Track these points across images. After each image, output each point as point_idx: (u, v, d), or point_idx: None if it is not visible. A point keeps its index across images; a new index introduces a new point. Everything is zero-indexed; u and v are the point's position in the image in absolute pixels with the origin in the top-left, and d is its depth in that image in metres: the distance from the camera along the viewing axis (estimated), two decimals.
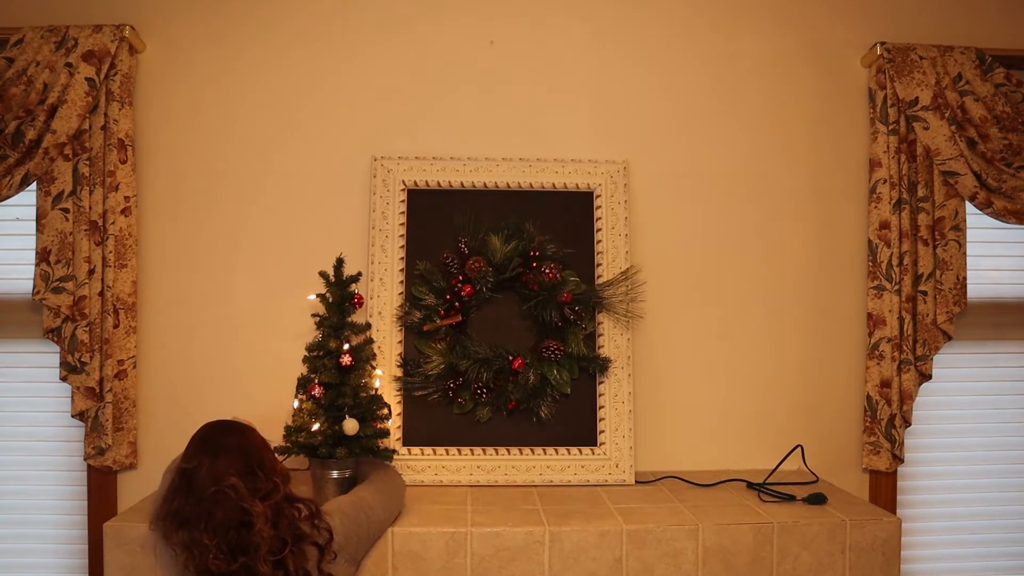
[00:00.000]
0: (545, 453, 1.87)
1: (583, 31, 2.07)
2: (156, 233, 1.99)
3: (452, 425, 1.88)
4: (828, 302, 2.09)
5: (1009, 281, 2.18)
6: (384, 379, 1.83)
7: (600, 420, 1.89)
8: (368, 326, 1.75)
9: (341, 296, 1.66)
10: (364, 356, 1.65)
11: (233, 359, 1.99)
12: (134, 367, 1.93)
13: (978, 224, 2.07)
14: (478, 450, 1.86)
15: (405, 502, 1.63)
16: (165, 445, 1.93)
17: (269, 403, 1.89)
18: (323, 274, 1.68)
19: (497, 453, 1.86)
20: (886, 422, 1.99)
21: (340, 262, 1.69)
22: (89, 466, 1.94)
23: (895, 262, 1.98)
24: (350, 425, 1.56)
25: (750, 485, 1.85)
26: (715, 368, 2.06)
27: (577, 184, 2.00)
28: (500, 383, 1.87)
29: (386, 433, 1.66)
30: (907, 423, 2.00)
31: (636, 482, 1.87)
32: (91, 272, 1.86)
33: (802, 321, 2.08)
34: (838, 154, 2.10)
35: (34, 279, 1.85)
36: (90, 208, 1.87)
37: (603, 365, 1.89)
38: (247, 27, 2.02)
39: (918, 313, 1.99)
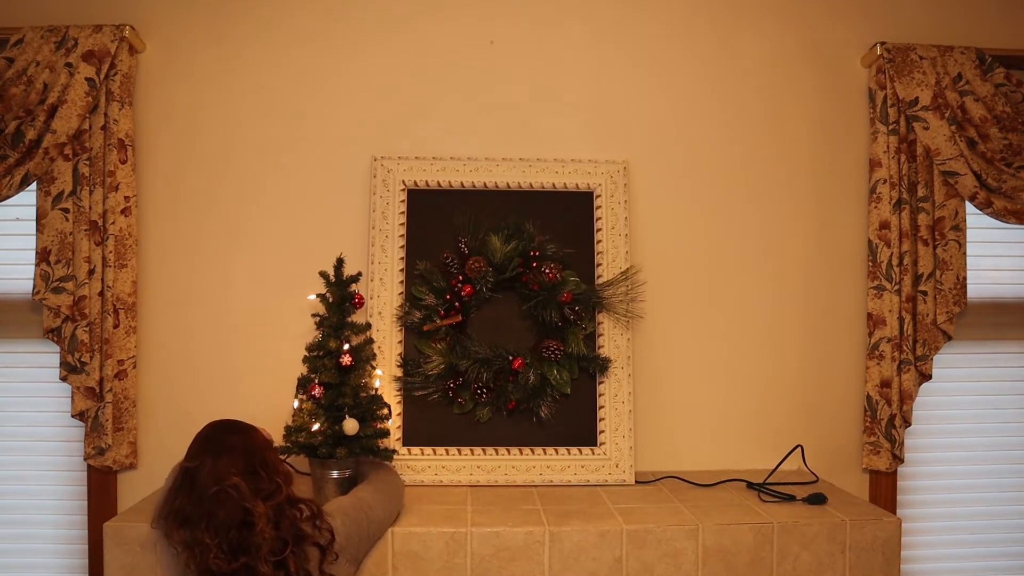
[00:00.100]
0: (545, 453, 1.87)
1: (583, 31, 2.07)
2: (156, 233, 1.99)
3: (452, 425, 1.88)
4: (828, 302, 2.09)
5: (1009, 281, 2.18)
6: (384, 379, 1.83)
7: (600, 420, 1.89)
8: (368, 326, 1.75)
9: (341, 296, 1.66)
10: (364, 356, 1.65)
11: (233, 359, 1.99)
12: (134, 367, 1.93)
13: (978, 224, 2.07)
14: (478, 450, 1.86)
15: (405, 502, 1.63)
16: (165, 445, 1.94)
17: (269, 403, 1.89)
18: (323, 274, 1.68)
19: (497, 453, 1.86)
20: (886, 422, 1.99)
21: (340, 262, 1.69)
22: (89, 466, 1.94)
23: (895, 262, 1.98)
24: (350, 425, 1.56)
25: (750, 485, 1.85)
26: (715, 368, 2.06)
27: (577, 184, 2.00)
28: (500, 383, 1.87)
29: (386, 433, 1.66)
30: (907, 423, 2.00)
31: (636, 482, 1.87)
32: (91, 272, 1.86)
33: (802, 321, 2.08)
34: (838, 154, 2.10)
35: (34, 279, 1.85)
36: (90, 208, 1.87)
37: (603, 365, 1.89)
38: (247, 26, 2.02)
39: (918, 313, 1.99)
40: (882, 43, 2.00)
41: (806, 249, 2.09)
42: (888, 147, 1.99)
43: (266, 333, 1.99)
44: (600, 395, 1.90)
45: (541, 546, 1.52)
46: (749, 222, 2.08)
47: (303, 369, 1.64)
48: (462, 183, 1.98)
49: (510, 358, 1.87)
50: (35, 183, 1.87)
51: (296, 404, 1.63)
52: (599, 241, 1.98)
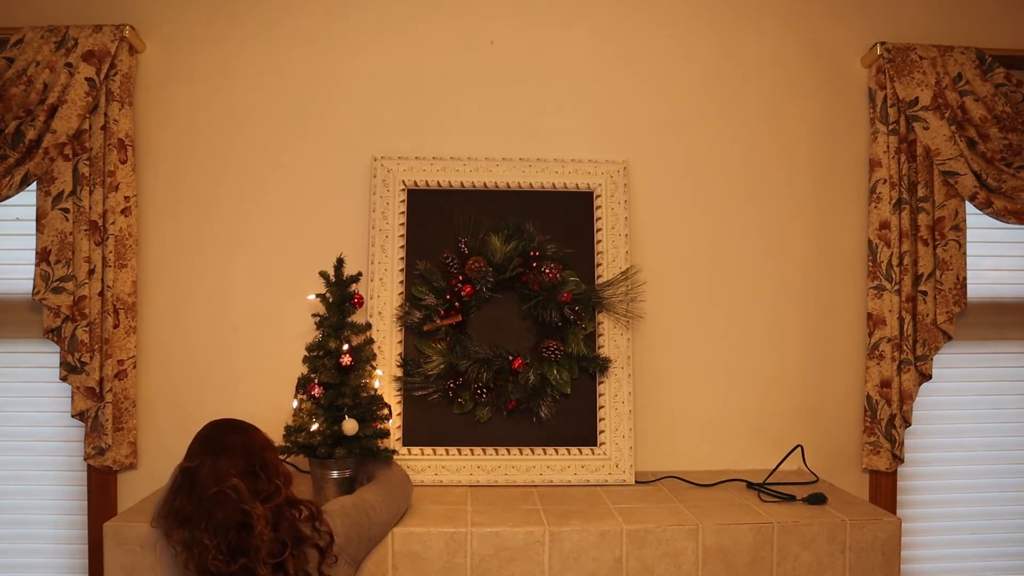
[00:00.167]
0: (545, 453, 1.87)
1: (583, 31, 2.07)
2: (156, 233, 1.99)
3: (452, 425, 1.88)
4: (828, 302, 2.09)
5: (1009, 281, 2.18)
6: (384, 379, 1.83)
7: (600, 420, 1.89)
8: (368, 326, 1.75)
9: (341, 296, 1.66)
10: (364, 356, 1.65)
11: (233, 359, 1.99)
12: (134, 367, 1.93)
13: (978, 224, 2.07)
14: (478, 450, 1.86)
15: (412, 502, 1.63)
16: (165, 445, 1.94)
17: (269, 403, 1.88)
18: (323, 274, 1.68)
19: (497, 453, 1.86)
20: (886, 422, 1.99)
21: (340, 262, 1.69)
22: (89, 466, 1.94)
23: (895, 262, 1.98)
24: (349, 425, 1.56)
25: (750, 485, 1.85)
26: (715, 368, 2.06)
27: (577, 184, 2.00)
28: (500, 383, 1.87)
29: (386, 433, 1.66)
30: (907, 423, 2.00)
31: (636, 482, 1.87)
32: (91, 272, 1.86)
33: (802, 321, 2.08)
34: (838, 154, 2.10)
35: (34, 279, 1.85)
36: (90, 208, 1.87)
37: (603, 365, 1.89)
38: (247, 26, 2.02)
39: (918, 313, 1.99)
40: (882, 43, 2.00)
41: (806, 249, 2.09)
42: (888, 147, 1.99)
43: (266, 333, 1.99)
44: (600, 395, 1.90)
45: (541, 546, 1.52)
46: (749, 222, 2.08)
47: (303, 369, 1.64)
48: (462, 183, 1.98)
49: (510, 358, 1.87)
50: (35, 183, 1.87)
51: (296, 404, 1.63)
52: (599, 241, 1.98)
